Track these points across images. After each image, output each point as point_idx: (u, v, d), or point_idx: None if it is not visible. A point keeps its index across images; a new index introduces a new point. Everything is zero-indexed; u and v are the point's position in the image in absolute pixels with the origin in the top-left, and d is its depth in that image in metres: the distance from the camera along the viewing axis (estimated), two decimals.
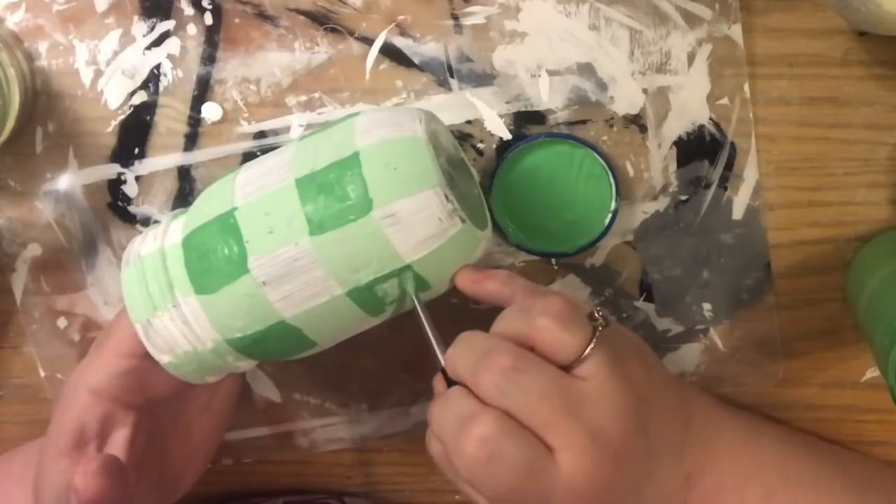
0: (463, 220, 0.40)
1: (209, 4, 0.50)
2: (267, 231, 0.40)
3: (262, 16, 0.50)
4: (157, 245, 0.43)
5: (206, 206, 0.42)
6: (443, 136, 0.43)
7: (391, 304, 0.41)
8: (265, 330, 0.41)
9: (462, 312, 0.52)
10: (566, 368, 0.39)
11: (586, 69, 0.50)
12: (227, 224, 0.40)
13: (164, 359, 0.43)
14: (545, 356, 0.38)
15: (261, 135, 0.51)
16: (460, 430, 0.37)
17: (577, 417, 0.37)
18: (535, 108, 0.51)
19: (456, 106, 0.51)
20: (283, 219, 0.40)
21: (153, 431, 0.47)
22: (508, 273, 0.42)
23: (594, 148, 0.50)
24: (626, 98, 0.50)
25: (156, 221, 0.51)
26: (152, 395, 0.46)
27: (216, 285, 0.40)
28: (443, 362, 0.40)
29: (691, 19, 0.50)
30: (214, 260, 0.40)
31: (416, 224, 0.39)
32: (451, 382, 0.40)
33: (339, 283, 0.40)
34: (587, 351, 0.38)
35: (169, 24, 0.50)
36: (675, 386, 0.44)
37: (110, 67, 0.51)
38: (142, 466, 0.46)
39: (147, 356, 0.43)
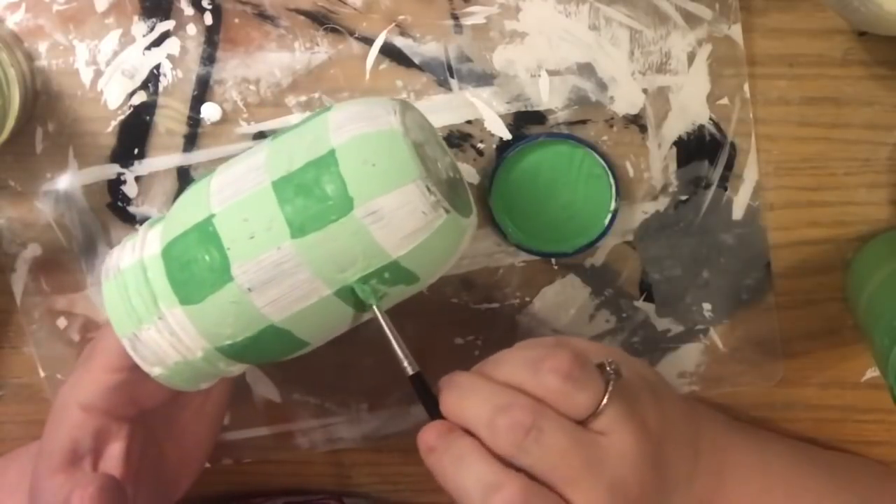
0: (447, 211, 0.39)
1: (209, 4, 0.50)
2: (248, 237, 0.39)
3: (262, 16, 0.50)
4: (137, 257, 0.42)
5: (183, 213, 0.41)
6: (418, 121, 0.42)
7: (381, 299, 0.41)
8: (255, 335, 0.40)
9: (462, 312, 0.52)
10: (581, 422, 0.38)
11: (586, 69, 0.50)
12: (206, 232, 0.40)
13: (154, 371, 0.42)
14: (559, 412, 0.38)
15: (260, 135, 0.51)
16: (484, 497, 0.37)
17: (597, 473, 0.37)
18: (535, 108, 0.51)
19: (456, 106, 0.51)
20: (262, 223, 0.39)
21: (147, 439, 0.47)
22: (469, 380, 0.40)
23: (594, 148, 0.50)
24: (626, 98, 0.50)
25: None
26: (144, 406, 0.46)
27: (201, 295, 0.40)
28: (409, 371, 0.40)
29: (691, 19, 0.50)
30: (197, 270, 0.40)
31: (399, 219, 0.38)
32: (436, 413, 0.40)
33: (326, 284, 0.39)
34: (601, 406, 0.38)
35: (169, 24, 0.50)
36: (686, 415, 0.44)
37: (110, 67, 0.51)
38: (139, 476, 0.46)
39: (136, 368, 0.43)
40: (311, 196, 0.38)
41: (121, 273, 0.42)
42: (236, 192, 0.40)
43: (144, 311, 0.41)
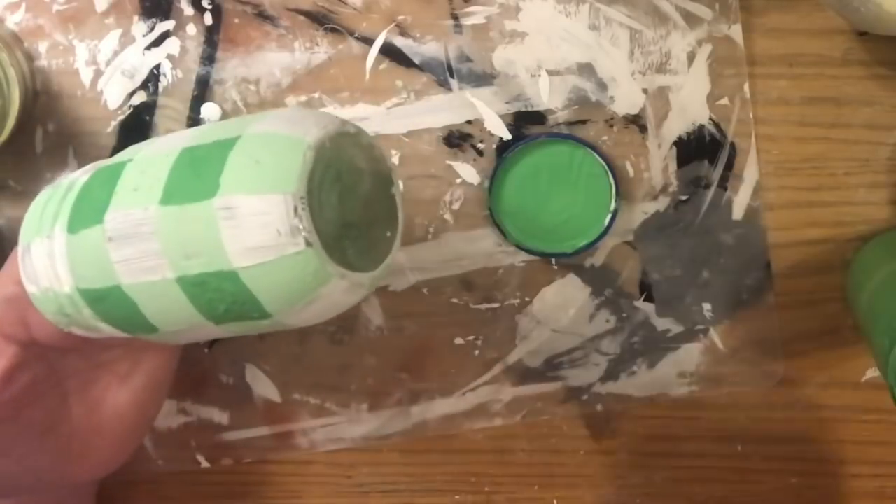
0: (308, 244, 0.34)
1: (209, 4, 0.50)
2: (132, 188, 0.37)
3: (262, 16, 0.50)
4: (76, 176, 0.41)
5: (125, 152, 0.41)
6: (369, 163, 0.39)
7: (226, 314, 0.37)
8: (105, 290, 0.39)
9: (462, 312, 0.52)
10: None
11: (586, 69, 0.50)
12: (114, 172, 0.39)
13: (30, 288, 0.40)
14: None
15: None
16: None
17: None
18: (535, 108, 0.51)
19: (456, 106, 0.51)
20: (150, 181, 0.37)
21: (45, 382, 0.44)
22: None
23: (594, 148, 0.50)
24: (626, 98, 0.50)
25: None
26: (38, 336, 0.43)
27: (78, 227, 0.38)
28: None
29: (691, 19, 0.50)
30: (87, 202, 0.39)
31: (250, 227, 0.34)
32: None
33: (171, 266, 0.37)
34: None
35: (169, 24, 0.50)
36: None
37: (110, 67, 0.51)
38: (18, 410, 0.43)
39: None
40: (192, 171, 0.36)
41: (55, 185, 0.41)
42: (158, 146, 0.39)
43: (45, 224, 0.40)
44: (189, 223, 0.35)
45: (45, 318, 0.41)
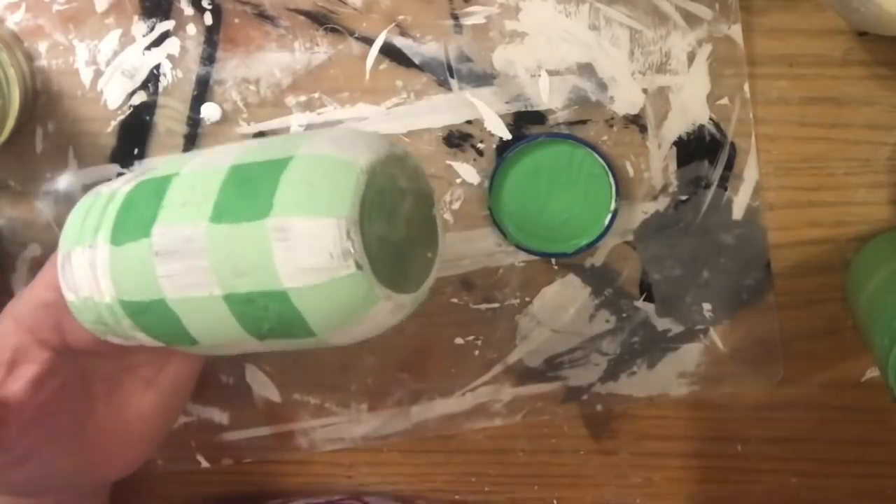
0: (359, 267, 0.35)
1: (209, 4, 0.50)
2: (181, 203, 0.38)
3: (262, 16, 0.50)
4: (117, 186, 0.42)
5: (167, 164, 0.41)
6: (408, 181, 0.39)
7: (271, 332, 0.38)
8: (147, 303, 0.39)
9: (462, 312, 0.52)
10: None
11: (586, 69, 0.50)
12: (161, 185, 0.39)
13: (69, 296, 0.41)
14: None
15: (260, 135, 0.51)
16: None
17: None
18: (535, 108, 0.51)
19: (456, 106, 0.51)
20: (200, 197, 0.38)
21: (74, 385, 0.45)
22: None
23: (594, 148, 0.50)
24: (626, 98, 0.50)
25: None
26: (71, 342, 0.43)
27: (123, 239, 0.39)
28: None
29: (691, 19, 0.50)
30: (133, 215, 0.39)
31: (303, 249, 0.35)
32: None
33: (219, 283, 0.37)
34: None
35: (169, 24, 0.50)
36: None
37: (110, 67, 0.51)
38: (49, 415, 0.43)
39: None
40: (244, 189, 0.37)
41: (97, 194, 0.42)
42: (205, 162, 0.39)
43: (86, 234, 0.40)
44: (240, 242, 0.36)
45: (83, 326, 0.41)
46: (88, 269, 0.40)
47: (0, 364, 0.42)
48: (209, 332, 0.39)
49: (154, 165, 0.47)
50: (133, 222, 0.39)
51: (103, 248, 0.40)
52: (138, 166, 0.51)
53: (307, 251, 0.35)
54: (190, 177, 0.39)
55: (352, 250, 0.35)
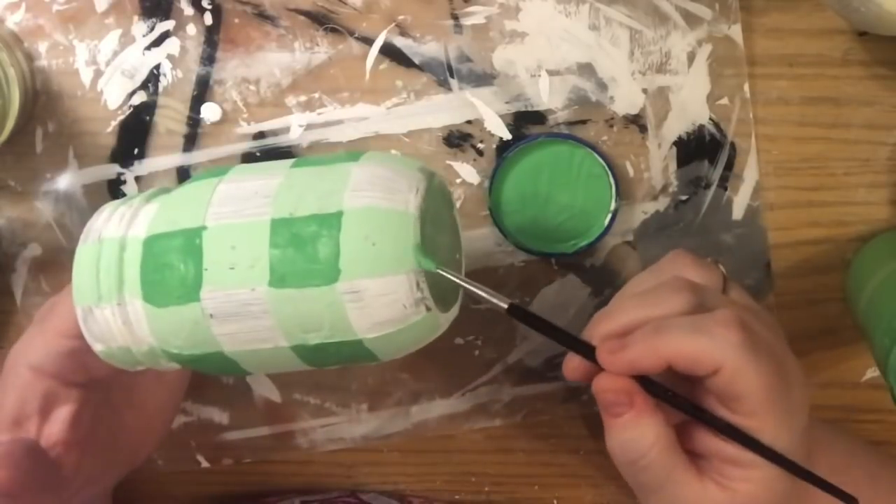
0: (428, 309, 0.37)
1: (209, 4, 0.50)
2: (228, 266, 0.38)
3: (262, 16, 0.50)
4: (121, 232, 0.40)
5: (180, 210, 0.40)
6: (438, 194, 0.41)
7: (334, 363, 0.40)
8: (202, 355, 0.40)
9: (462, 312, 0.52)
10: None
11: (586, 69, 0.50)
12: (191, 243, 0.38)
13: (97, 347, 0.41)
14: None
15: (260, 135, 0.51)
16: (705, 323, 0.36)
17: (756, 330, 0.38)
18: (535, 108, 0.51)
19: (456, 106, 0.51)
20: (247, 258, 0.38)
21: (103, 405, 0.46)
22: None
23: (594, 148, 0.50)
24: (626, 98, 0.50)
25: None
26: (96, 374, 0.45)
27: (165, 301, 0.39)
28: (504, 305, 0.39)
29: (691, 19, 0.50)
30: (169, 276, 0.38)
31: (378, 306, 0.37)
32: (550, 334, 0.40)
33: (286, 337, 0.38)
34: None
35: (169, 25, 0.50)
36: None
37: (110, 67, 0.51)
38: (90, 441, 0.45)
39: None
40: (303, 252, 0.37)
41: (100, 242, 0.40)
42: (235, 213, 0.39)
43: (108, 290, 0.40)
44: (309, 304, 0.37)
45: (109, 364, 0.42)
46: (122, 326, 0.40)
47: (33, 413, 0.43)
48: (267, 368, 0.41)
49: (148, 187, 0.48)
50: (172, 284, 0.38)
51: (135, 305, 0.39)
52: (138, 166, 0.51)
53: (382, 308, 0.37)
54: (225, 234, 0.38)
55: (422, 297, 0.37)
